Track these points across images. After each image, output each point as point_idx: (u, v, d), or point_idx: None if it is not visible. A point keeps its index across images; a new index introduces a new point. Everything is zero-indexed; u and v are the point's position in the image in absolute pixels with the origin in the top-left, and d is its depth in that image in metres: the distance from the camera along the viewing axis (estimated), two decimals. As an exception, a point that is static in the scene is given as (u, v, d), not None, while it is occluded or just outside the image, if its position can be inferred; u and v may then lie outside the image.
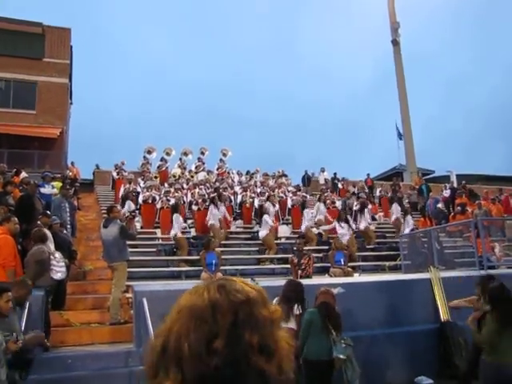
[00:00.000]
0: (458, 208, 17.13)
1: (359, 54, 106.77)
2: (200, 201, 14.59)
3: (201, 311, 0.95)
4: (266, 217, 13.79)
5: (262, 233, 13.62)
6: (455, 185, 21.68)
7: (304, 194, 18.72)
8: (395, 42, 33.21)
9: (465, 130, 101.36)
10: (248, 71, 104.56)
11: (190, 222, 14.75)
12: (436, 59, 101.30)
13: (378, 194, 20.17)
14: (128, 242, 9.36)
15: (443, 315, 8.51)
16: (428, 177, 31.07)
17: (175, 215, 13.14)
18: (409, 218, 15.52)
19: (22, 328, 5.93)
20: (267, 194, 15.14)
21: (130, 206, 14.15)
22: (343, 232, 13.75)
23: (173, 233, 12.87)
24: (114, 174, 18.92)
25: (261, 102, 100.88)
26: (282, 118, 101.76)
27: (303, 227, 14.52)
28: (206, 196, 15.15)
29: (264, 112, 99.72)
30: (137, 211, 14.59)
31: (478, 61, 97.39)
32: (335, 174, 23.96)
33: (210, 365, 0.88)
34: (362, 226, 15.03)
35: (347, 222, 14.36)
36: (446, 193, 20.22)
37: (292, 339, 1.02)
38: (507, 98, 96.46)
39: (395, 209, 16.44)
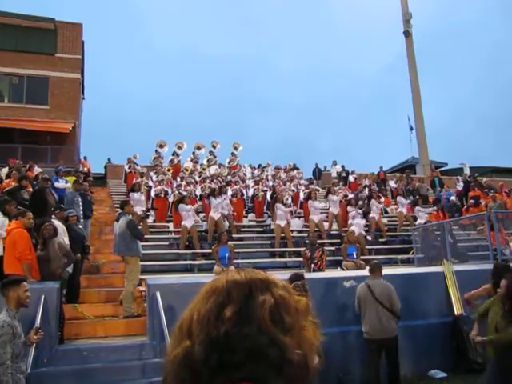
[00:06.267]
0: (472, 201, 17.02)
1: (380, 38, 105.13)
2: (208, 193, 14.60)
3: (216, 288, 0.96)
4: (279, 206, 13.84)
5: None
6: (469, 177, 21.46)
7: (317, 187, 18.69)
8: (407, 34, 32.87)
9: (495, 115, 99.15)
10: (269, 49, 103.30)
11: (202, 215, 14.76)
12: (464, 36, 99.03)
13: (393, 185, 20.02)
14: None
15: (457, 309, 8.47)
16: (441, 169, 30.87)
17: (188, 206, 13.18)
18: (421, 211, 15.55)
19: (38, 320, 6.01)
20: (275, 195, 14.95)
21: (139, 198, 14.20)
22: (358, 222, 13.87)
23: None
24: (126, 167, 18.96)
25: (280, 82, 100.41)
26: (301, 101, 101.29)
27: (316, 218, 14.46)
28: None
29: (283, 92, 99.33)
30: (152, 211, 14.64)
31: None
32: (343, 166, 23.90)
33: (219, 330, 0.88)
34: (374, 215, 15.04)
35: (361, 208, 14.52)
36: (460, 185, 20.08)
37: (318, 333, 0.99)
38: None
39: (404, 203, 16.38)
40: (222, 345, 0.88)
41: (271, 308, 0.91)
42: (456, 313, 8.45)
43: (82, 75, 28.81)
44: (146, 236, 11.08)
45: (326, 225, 14.88)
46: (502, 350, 4.72)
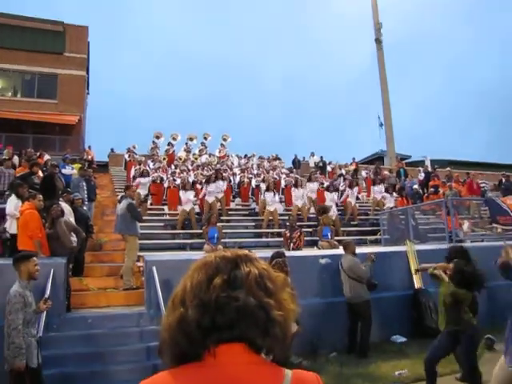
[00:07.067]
0: (432, 189, 17.21)
1: (353, 44, 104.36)
2: (203, 181, 14.58)
3: (206, 262, 0.99)
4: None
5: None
6: (429, 169, 21.67)
7: (296, 175, 18.75)
8: (378, 41, 32.84)
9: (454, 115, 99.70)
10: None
11: (193, 199, 14.71)
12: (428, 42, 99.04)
13: (364, 175, 20.25)
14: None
15: (417, 283, 8.60)
16: (406, 161, 31.01)
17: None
18: (390, 198, 15.80)
19: (48, 291, 5.99)
20: (266, 184, 15.08)
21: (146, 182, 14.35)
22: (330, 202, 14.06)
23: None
24: (126, 156, 18.86)
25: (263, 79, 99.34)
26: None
27: (299, 203, 14.54)
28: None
29: (267, 92, 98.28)
30: (150, 196, 14.58)
31: (475, 42, 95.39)
32: (321, 157, 24.06)
33: (211, 296, 0.91)
34: (351, 200, 15.25)
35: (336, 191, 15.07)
36: (421, 176, 20.29)
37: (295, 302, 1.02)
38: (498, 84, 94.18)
39: (377, 190, 16.57)
40: (214, 308, 0.90)
41: (256, 277, 0.94)
42: (416, 286, 8.58)
43: (88, 73, 28.50)
44: (144, 217, 11.04)
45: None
46: (451, 317, 4.87)
